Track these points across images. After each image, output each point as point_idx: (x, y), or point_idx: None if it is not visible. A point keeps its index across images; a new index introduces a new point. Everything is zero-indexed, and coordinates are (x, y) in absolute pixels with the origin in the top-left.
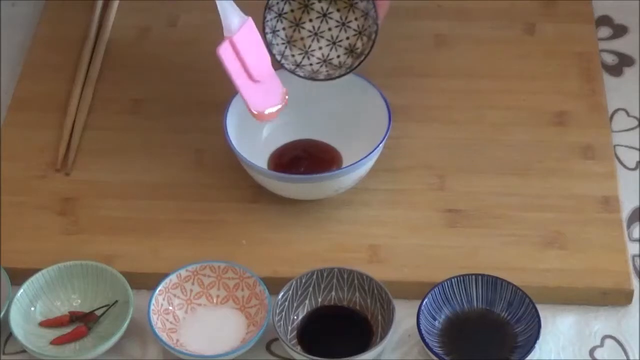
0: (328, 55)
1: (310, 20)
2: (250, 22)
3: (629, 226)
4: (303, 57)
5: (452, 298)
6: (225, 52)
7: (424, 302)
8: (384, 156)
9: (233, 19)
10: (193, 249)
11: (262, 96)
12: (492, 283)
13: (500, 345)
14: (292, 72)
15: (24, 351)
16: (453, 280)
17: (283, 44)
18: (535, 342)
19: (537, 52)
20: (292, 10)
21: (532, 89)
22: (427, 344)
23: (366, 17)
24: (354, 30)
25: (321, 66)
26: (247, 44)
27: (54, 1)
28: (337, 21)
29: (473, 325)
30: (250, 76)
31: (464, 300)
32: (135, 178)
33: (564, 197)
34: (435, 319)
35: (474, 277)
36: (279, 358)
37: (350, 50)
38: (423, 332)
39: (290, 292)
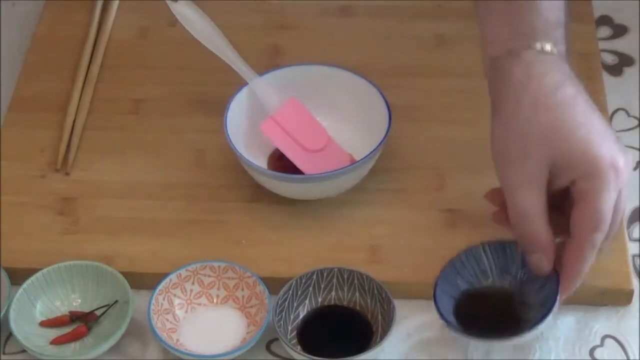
0: None
1: None
2: (294, 100)
3: (629, 226)
4: None
5: (464, 272)
6: (268, 128)
7: (438, 282)
8: (384, 156)
9: (271, 97)
10: (193, 249)
11: (321, 163)
12: (501, 249)
13: (515, 314)
14: None
15: (24, 351)
16: (462, 255)
17: None
18: (554, 302)
19: None
20: None
21: None
22: (447, 321)
23: None
24: None
25: None
26: (293, 119)
27: (54, 1)
28: None
29: (487, 298)
30: (302, 147)
31: (477, 272)
32: (135, 178)
33: None
34: (451, 295)
35: (480, 247)
36: (279, 358)
37: None
38: (441, 309)
39: (290, 292)
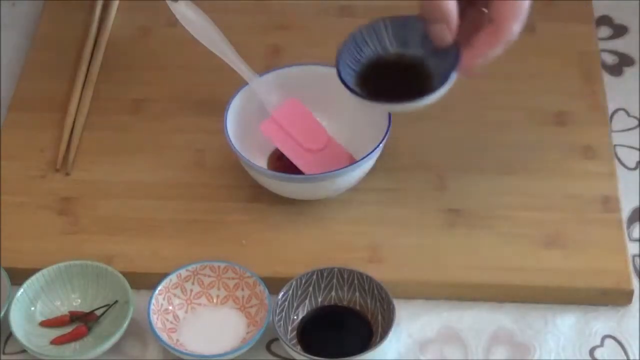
0: None
1: None
2: (294, 100)
3: (629, 226)
4: None
5: (365, 47)
6: (267, 128)
7: (340, 55)
8: (384, 156)
9: (271, 97)
10: (193, 249)
11: (321, 163)
12: (402, 24)
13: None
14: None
15: (24, 351)
16: (362, 29)
17: None
18: (452, 72)
19: (537, 52)
20: None
21: (532, 89)
22: (351, 90)
23: None
24: None
25: None
26: (293, 119)
27: (54, 1)
28: None
29: (388, 71)
30: (302, 147)
31: (377, 47)
32: (135, 178)
33: (564, 197)
34: (353, 69)
35: (380, 21)
36: (279, 358)
37: None
38: (344, 79)
39: (290, 292)
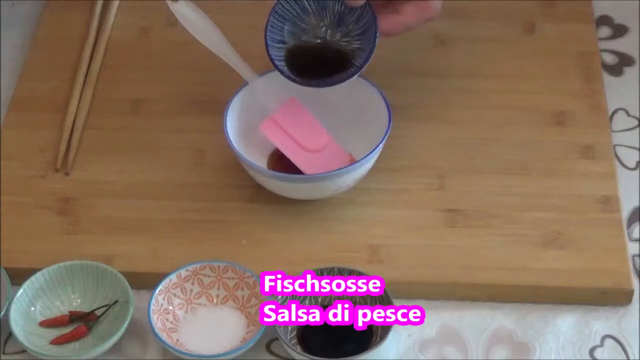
0: None
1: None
2: (294, 100)
3: (629, 226)
4: None
5: (288, 15)
6: (267, 128)
7: (266, 32)
8: (384, 156)
9: (271, 97)
10: (193, 249)
11: (321, 163)
12: None
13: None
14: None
15: (24, 351)
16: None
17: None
18: (375, 36)
19: (537, 52)
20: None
21: (532, 89)
22: (281, 71)
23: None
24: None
25: None
26: (293, 119)
27: (54, 1)
28: None
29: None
30: (301, 147)
31: (299, 12)
32: (135, 178)
33: (564, 197)
34: (280, 41)
35: None
36: (279, 358)
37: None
38: (273, 58)
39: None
